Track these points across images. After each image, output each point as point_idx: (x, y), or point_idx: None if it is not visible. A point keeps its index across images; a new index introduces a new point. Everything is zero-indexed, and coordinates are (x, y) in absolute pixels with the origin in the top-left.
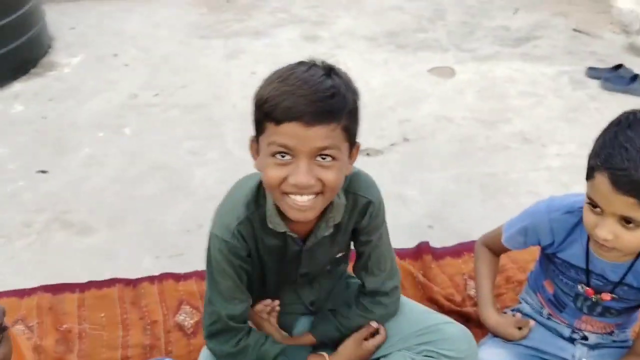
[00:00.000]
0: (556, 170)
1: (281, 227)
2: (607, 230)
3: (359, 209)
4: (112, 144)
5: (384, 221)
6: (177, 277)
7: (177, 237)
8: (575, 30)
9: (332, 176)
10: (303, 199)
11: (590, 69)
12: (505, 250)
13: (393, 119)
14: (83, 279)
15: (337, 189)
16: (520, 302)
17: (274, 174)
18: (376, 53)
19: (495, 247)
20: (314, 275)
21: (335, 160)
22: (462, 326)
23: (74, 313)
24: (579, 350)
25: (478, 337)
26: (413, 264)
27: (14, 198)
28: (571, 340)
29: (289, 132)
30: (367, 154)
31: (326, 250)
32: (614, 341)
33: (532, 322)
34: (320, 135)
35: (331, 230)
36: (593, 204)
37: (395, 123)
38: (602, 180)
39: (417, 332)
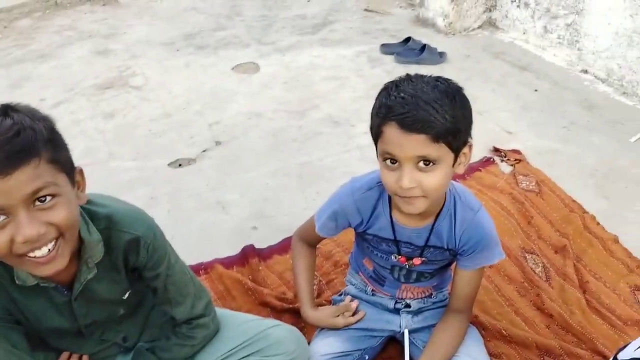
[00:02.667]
0: (366, 147)
1: (31, 280)
2: (408, 178)
3: (123, 246)
4: None
5: (166, 249)
6: None
7: None
8: (366, 10)
9: (61, 215)
10: (43, 252)
11: (384, 45)
12: (321, 238)
13: (202, 124)
14: None
15: (76, 225)
16: (347, 285)
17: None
18: (176, 58)
19: (311, 238)
20: (106, 320)
21: (58, 197)
22: (289, 326)
23: None
24: (404, 319)
25: (313, 330)
26: (241, 270)
27: None
28: (396, 311)
29: None
30: (179, 165)
31: (107, 293)
32: (434, 303)
33: (354, 304)
34: (25, 179)
35: (95, 270)
36: (390, 160)
37: (205, 127)
38: (391, 129)
39: (243, 343)
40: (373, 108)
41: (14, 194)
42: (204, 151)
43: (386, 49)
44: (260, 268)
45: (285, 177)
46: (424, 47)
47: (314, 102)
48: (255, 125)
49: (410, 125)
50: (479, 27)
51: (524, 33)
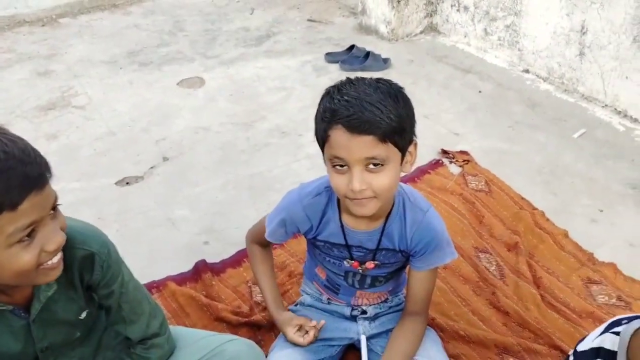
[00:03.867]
0: (316, 156)
1: None
2: (358, 180)
3: (78, 263)
4: None
5: (120, 265)
6: None
7: None
8: (310, 20)
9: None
10: (59, 257)
11: (328, 54)
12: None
13: (148, 141)
14: None
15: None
16: (302, 295)
17: None
18: (119, 76)
19: (263, 240)
20: (62, 344)
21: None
22: (245, 340)
23: None
24: (361, 325)
25: (270, 342)
26: (194, 287)
27: None
28: (353, 318)
29: None
30: (127, 183)
31: (65, 313)
32: (390, 307)
33: (312, 322)
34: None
35: (54, 287)
36: (338, 164)
37: (152, 144)
38: (337, 133)
39: None
40: (317, 113)
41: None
42: (151, 168)
43: (331, 57)
44: (213, 283)
45: (235, 189)
46: (368, 54)
47: (261, 114)
48: (202, 139)
49: (357, 127)
50: (421, 32)
51: (465, 36)
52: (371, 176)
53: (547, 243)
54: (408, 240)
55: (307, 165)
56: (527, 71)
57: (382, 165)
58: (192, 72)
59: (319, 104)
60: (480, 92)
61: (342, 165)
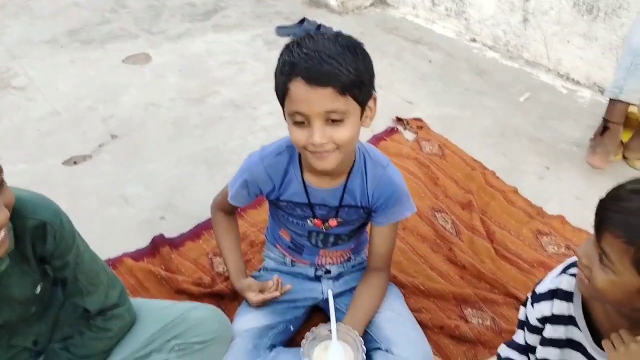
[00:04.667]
0: (271, 128)
1: None
2: (319, 134)
3: (30, 233)
4: None
5: (74, 235)
6: None
7: None
8: None
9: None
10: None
11: (279, 27)
12: (236, 207)
13: (95, 119)
14: None
15: None
16: (265, 260)
17: None
18: (60, 55)
19: (228, 207)
20: (17, 321)
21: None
22: (209, 306)
23: None
24: (325, 285)
25: (234, 311)
26: (152, 261)
27: None
28: (317, 278)
29: None
30: (74, 162)
31: (19, 288)
32: (353, 266)
33: (270, 283)
34: None
35: (7, 261)
36: (298, 120)
37: (99, 122)
38: (297, 86)
39: (162, 329)
40: (277, 68)
41: None
42: (99, 146)
43: (282, 31)
44: (172, 257)
45: (191, 164)
46: (319, 27)
47: (213, 88)
48: (153, 115)
49: (316, 79)
50: (371, 4)
51: (413, 8)
52: (332, 129)
53: (498, 200)
54: (369, 195)
55: (263, 138)
56: (474, 40)
57: (341, 120)
58: (137, 48)
59: (279, 59)
60: (430, 62)
61: (302, 122)
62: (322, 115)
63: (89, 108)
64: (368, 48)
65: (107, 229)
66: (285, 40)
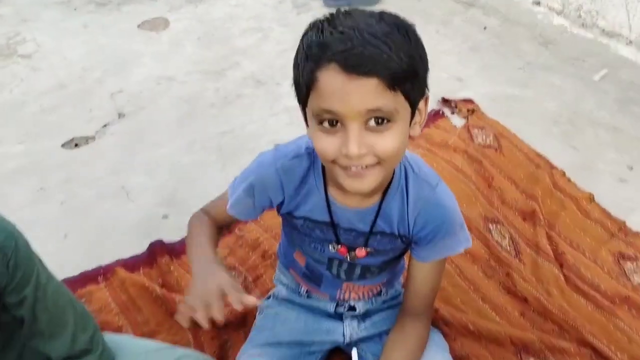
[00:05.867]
0: (296, 109)
1: None
2: (356, 142)
3: None
4: None
5: (33, 262)
6: None
7: None
8: None
9: None
10: None
11: None
12: (232, 220)
13: (103, 94)
14: None
15: None
16: (276, 285)
17: None
18: (72, 19)
19: (221, 218)
20: None
21: None
22: (200, 356)
23: None
24: (349, 326)
25: (240, 343)
26: (149, 273)
27: None
28: (338, 316)
29: None
30: (75, 145)
31: None
32: (385, 302)
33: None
34: None
35: None
36: (328, 120)
37: (106, 98)
38: (329, 75)
39: None
40: (298, 53)
41: None
42: (104, 126)
43: (330, 2)
44: (171, 268)
45: (202, 151)
46: None
47: (233, 59)
48: (165, 91)
49: (357, 65)
50: None
51: None
52: (373, 137)
53: (569, 209)
54: (410, 222)
55: (286, 120)
56: (537, 3)
57: (387, 121)
58: (155, 12)
59: (301, 42)
60: (485, 28)
61: (333, 123)
62: (362, 116)
63: (97, 81)
64: (411, 11)
65: (104, 226)
66: (317, 2)
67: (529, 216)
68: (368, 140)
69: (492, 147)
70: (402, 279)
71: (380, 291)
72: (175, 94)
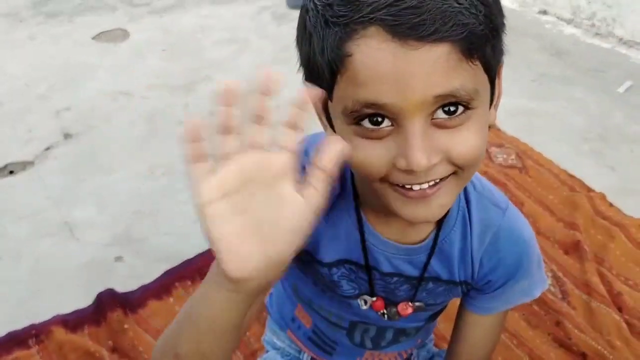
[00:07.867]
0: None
1: None
2: (422, 148)
3: None
4: None
5: None
6: None
7: None
8: None
9: None
10: None
11: None
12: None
13: (46, 112)
14: None
15: None
16: (267, 350)
17: None
18: (18, 30)
19: None
20: None
21: None
22: None
23: None
24: None
25: None
26: (96, 333)
27: None
28: None
29: None
30: (10, 172)
31: None
32: None
33: None
34: None
35: None
36: (369, 118)
37: (51, 116)
38: (371, 45)
39: None
40: (304, 20)
41: None
42: (46, 149)
43: (294, 2)
44: (125, 327)
45: (165, 177)
46: None
47: (205, 73)
48: (122, 107)
49: (416, 25)
50: None
51: None
52: (445, 136)
53: (618, 240)
54: (475, 262)
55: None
56: (544, 12)
57: (465, 109)
58: (113, 23)
59: (304, 6)
60: None
61: (376, 121)
62: (428, 107)
63: (40, 97)
64: None
65: (40, 272)
66: (297, 13)
67: (572, 249)
68: (438, 141)
69: (515, 168)
70: (433, 336)
71: (410, 355)
72: (134, 110)
